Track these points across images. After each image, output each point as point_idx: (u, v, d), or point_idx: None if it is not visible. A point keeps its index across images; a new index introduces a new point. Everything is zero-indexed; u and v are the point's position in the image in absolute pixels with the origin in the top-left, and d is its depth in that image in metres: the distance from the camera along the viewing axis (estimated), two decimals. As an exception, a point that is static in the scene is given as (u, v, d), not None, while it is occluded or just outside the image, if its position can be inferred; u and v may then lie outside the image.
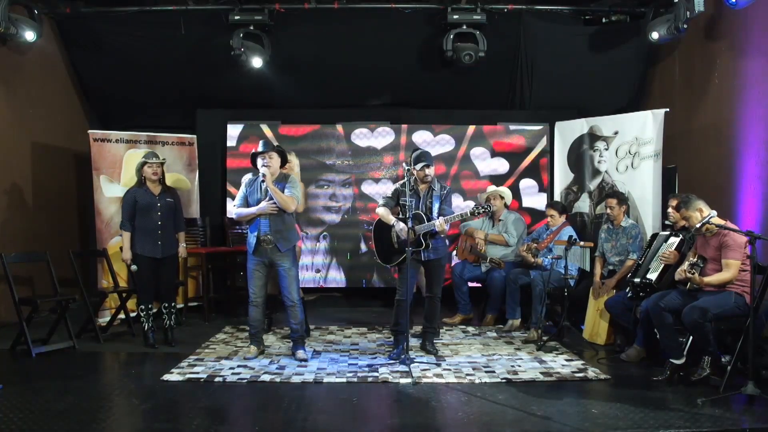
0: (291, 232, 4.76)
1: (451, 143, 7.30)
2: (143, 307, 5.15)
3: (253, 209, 4.69)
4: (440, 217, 4.67)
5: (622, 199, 5.49)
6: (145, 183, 5.14)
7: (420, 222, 4.73)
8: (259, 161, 4.69)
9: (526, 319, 5.80)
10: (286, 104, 7.41)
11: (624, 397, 3.88)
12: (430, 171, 4.79)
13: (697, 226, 4.17)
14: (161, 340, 5.25)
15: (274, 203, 4.63)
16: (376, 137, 7.32)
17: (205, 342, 5.31)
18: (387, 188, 6.11)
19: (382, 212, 4.88)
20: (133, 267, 5.11)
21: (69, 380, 4.22)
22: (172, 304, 5.30)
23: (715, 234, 4.18)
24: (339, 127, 7.29)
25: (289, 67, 6.99)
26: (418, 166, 4.76)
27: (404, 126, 7.30)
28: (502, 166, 7.31)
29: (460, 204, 7.09)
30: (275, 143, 5.29)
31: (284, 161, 4.85)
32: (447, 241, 5.23)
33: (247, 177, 4.98)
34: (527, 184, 7.32)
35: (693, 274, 4.08)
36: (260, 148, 4.73)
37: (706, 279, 4.11)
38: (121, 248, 6.03)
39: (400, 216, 4.80)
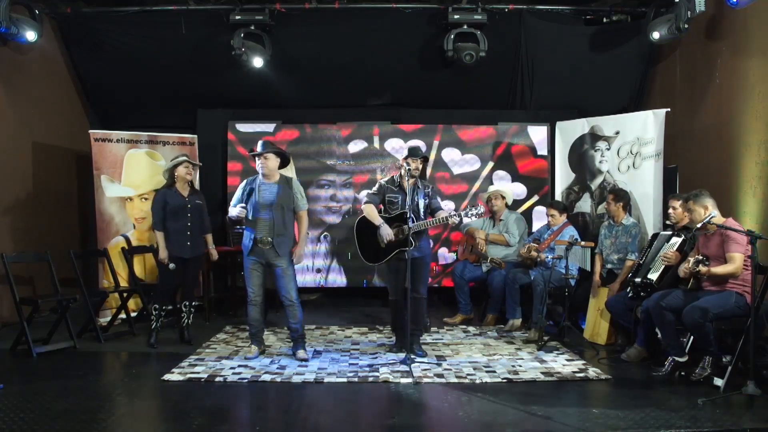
0: (290, 235, 4.76)
1: (477, 162, 7.26)
2: (157, 306, 5.17)
3: (234, 213, 4.69)
4: (453, 212, 4.68)
5: (621, 196, 5.48)
6: (174, 184, 5.15)
7: (404, 222, 4.67)
8: (256, 163, 4.70)
9: (527, 319, 5.79)
10: (286, 104, 7.41)
11: (624, 397, 3.89)
12: (420, 165, 4.78)
13: (698, 226, 4.17)
14: (176, 338, 5.33)
15: (245, 208, 4.65)
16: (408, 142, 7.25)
17: (206, 342, 5.31)
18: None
19: (369, 210, 4.82)
20: (171, 265, 5.11)
21: (70, 380, 4.23)
22: (192, 303, 5.36)
23: (714, 233, 4.19)
24: (375, 128, 7.24)
25: (290, 66, 6.99)
26: (414, 157, 4.74)
27: (440, 126, 7.24)
28: (520, 189, 7.24)
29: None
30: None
31: (284, 162, 4.84)
32: (431, 241, 5.26)
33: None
34: (541, 209, 7.20)
35: (697, 268, 4.08)
36: (259, 149, 4.71)
37: (712, 269, 4.10)
38: (123, 248, 6.10)
39: (383, 214, 4.81)
